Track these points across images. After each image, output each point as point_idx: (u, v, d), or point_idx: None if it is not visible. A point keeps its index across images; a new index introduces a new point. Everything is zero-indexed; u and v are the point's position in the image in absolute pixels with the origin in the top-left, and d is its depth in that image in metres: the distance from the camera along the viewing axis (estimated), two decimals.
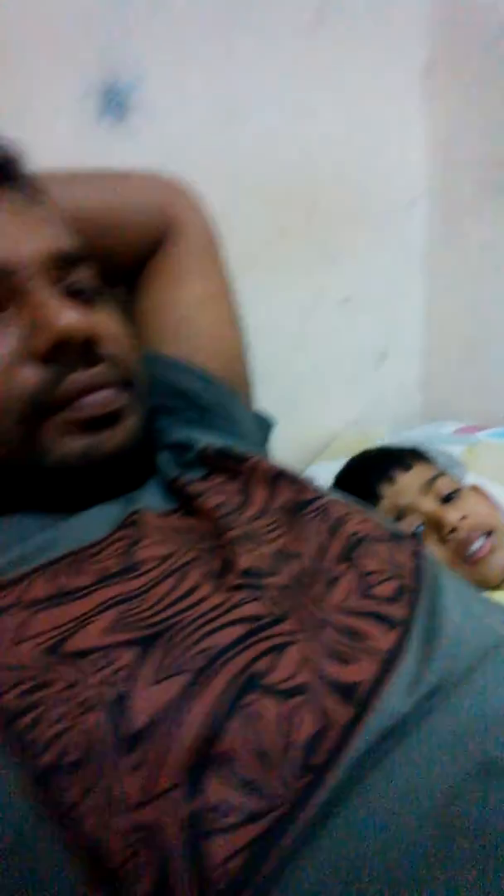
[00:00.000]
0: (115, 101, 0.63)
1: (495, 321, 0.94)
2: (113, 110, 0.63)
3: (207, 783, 0.25)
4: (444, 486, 0.62)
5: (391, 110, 0.88)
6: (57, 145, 0.61)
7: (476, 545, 0.58)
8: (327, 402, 0.94)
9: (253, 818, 0.24)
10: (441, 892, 0.22)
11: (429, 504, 0.61)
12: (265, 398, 0.70)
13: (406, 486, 0.62)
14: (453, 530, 0.59)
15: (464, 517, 0.59)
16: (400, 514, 0.61)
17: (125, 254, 0.57)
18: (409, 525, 0.61)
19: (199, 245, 0.59)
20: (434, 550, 0.59)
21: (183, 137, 0.68)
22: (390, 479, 0.63)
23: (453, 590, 0.38)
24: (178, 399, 0.54)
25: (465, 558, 0.58)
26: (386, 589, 0.34)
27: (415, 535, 0.59)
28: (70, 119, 0.62)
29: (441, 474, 0.63)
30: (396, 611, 0.33)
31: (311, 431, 0.92)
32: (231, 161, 0.73)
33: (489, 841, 0.23)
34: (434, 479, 0.62)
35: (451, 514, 0.59)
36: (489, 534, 0.59)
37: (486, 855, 0.23)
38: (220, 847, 0.23)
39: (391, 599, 0.34)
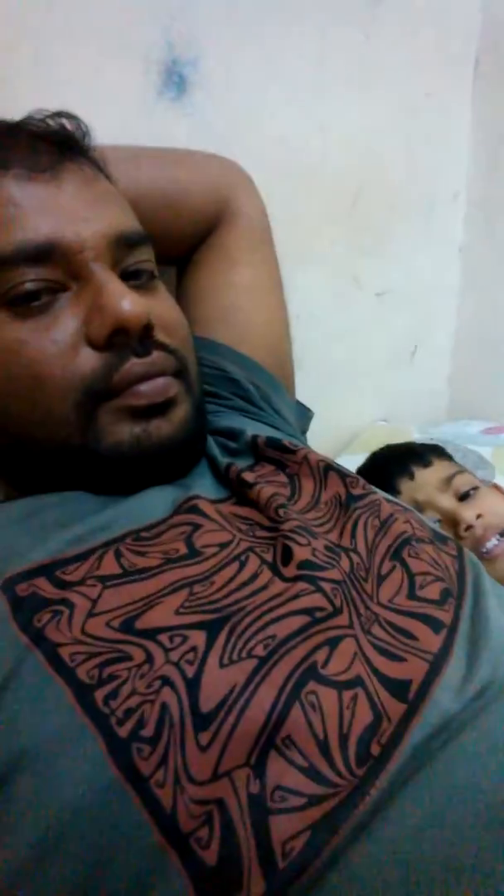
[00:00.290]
0: (175, 77, 0.62)
1: None
2: (173, 86, 0.62)
3: (270, 765, 0.26)
4: (462, 483, 0.63)
5: (438, 105, 0.87)
6: (117, 121, 0.60)
7: (490, 544, 0.59)
8: (357, 395, 0.94)
9: (313, 802, 0.25)
10: (495, 885, 0.23)
11: (446, 501, 0.62)
12: (299, 387, 0.70)
13: (424, 482, 0.63)
14: (469, 528, 0.59)
15: (479, 515, 0.60)
16: (417, 510, 0.61)
17: (180, 234, 0.57)
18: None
19: (253, 231, 0.59)
20: None
21: (238, 119, 0.68)
22: (409, 475, 0.64)
23: (495, 594, 0.38)
24: (225, 384, 0.54)
25: (479, 556, 0.59)
26: (433, 591, 0.35)
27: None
28: (133, 94, 0.61)
29: (460, 472, 0.64)
30: (443, 614, 0.33)
31: (339, 424, 0.93)
32: (280, 146, 0.73)
33: None
34: (452, 476, 0.63)
35: (468, 512, 0.60)
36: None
37: None
38: (283, 827, 0.24)
39: (438, 602, 0.34)
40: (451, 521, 0.61)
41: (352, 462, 0.85)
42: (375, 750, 0.26)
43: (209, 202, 0.57)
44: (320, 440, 0.90)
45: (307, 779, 0.25)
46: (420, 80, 0.84)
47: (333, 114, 0.76)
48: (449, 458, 0.68)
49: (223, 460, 0.44)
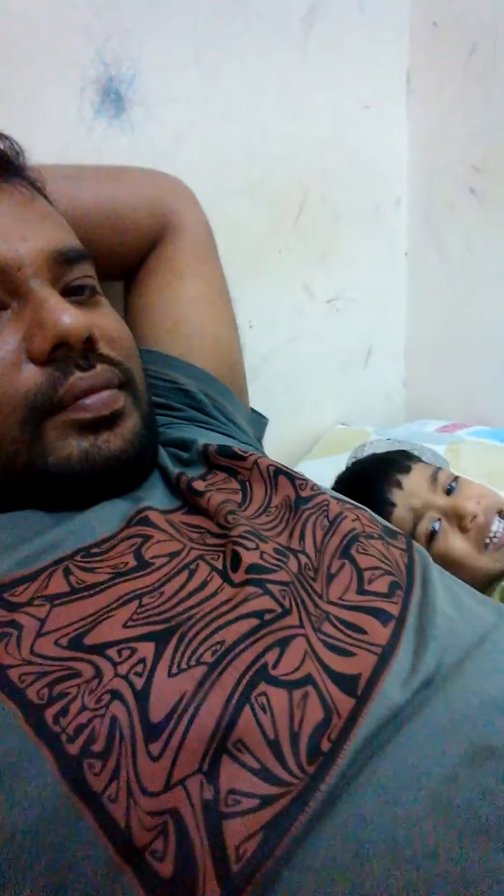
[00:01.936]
0: (112, 95, 0.63)
1: (475, 321, 0.96)
2: (110, 104, 0.63)
3: (223, 770, 0.26)
4: (444, 478, 0.63)
5: (376, 114, 0.90)
6: (56, 140, 0.61)
7: (495, 527, 0.59)
8: (314, 401, 0.95)
9: (266, 802, 0.25)
10: (443, 868, 0.24)
11: (441, 499, 0.61)
12: (256, 395, 0.71)
13: (414, 486, 0.63)
14: (474, 517, 0.59)
15: (478, 502, 0.60)
16: (416, 515, 0.61)
17: (123, 250, 0.58)
18: (427, 523, 0.61)
19: (197, 244, 0.60)
20: (454, 543, 0.60)
21: (179, 135, 0.69)
22: (398, 484, 0.63)
23: (443, 584, 0.40)
24: (177, 396, 0.55)
25: (486, 544, 0.59)
26: (381, 584, 0.36)
27: (431, 533, 0.60)
28: (69, 114, 0.62)
29: (438, 468, 0.65)
30: (391, 606, 0.34)
31: (300, 429, 0.94)
32: (222, 160, 0.74)
33: (482, 820, 0.25)
34: (435, 474, 0.63)
35: (468, 503, 0.60)
36: (501, 512, 0.61)
37: (480, 833, 0.25)
38: (237, 830, 0.24)
39: (386, 595, 0.35)
40: (455, 516, 0.60)
41: (314, 467, 0.86)
42: (326, 746, 0.27)
43: (151, 217, 0.58)
44: (282, 446, 0.92)
45: (259, 780, 0.26)
46: (357, 93, 0.87)
47: (274, 128, 0.78)
48: (417, 458, 0.69)
49: (174, 470, 0.44)
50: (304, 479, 0.44)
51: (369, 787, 0.26)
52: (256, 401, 0.69)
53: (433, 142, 0.93)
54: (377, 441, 0.84)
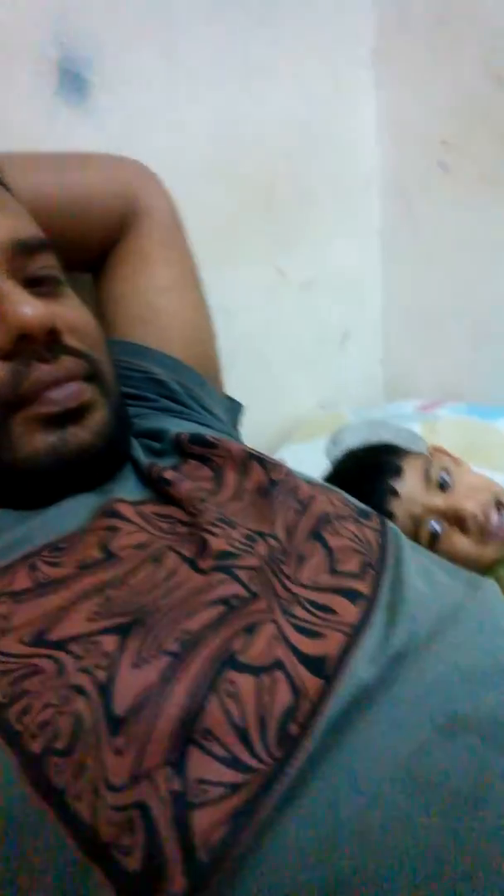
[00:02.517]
0: (71, 78, 0.61)
1: (450, 299, 0.96)
2: (69, 86, 0.61)
3: (191, 760, 0.26)
4: (436, 473, 0.60)
5: (343, 92, 0.89)
6: (19, 127, 0.59)
7: (495, 520, 0.57)
8: (292, 385, 0.95)
9: (234, 790, 0.25)
10: (414, 843, 0.24)
11: (439, 500, 0.59)
12: (230, 383, 0.70)
13: (410, 492, 0.59)
14: (475, 517, 0.57)
15: (476, 499, 0.58)
16: (416, 522, 0.59)
17: (88, 240, 0.57)
18: (427, 527, 0.58)
19: (165, 230, 0.59)
20: (459, 544, 0.58)
21: (140, 117, 0.67)
22: (394, 493, 0.60)
23: (417, 560, 0.40)
24: (150, 386, 0.54)
25: (491, 537, 0.57)
26: (352, 564, 0.36)
27: (433, 535, 0.57)
28: (29, 99, 0.60)
29: (424, 460, 0.62)
30: (361, 585, 0.34)
31: (276, 415, 0.94)
32: (187, 143, 0.73)
33: (453, 791, 0.25)
34: (427, 471, 0.60)
35: (467, 503, 0.57)
36: (498, 504, 0.59)
37: (451, 804, 0.25)
38: (204, 820, 0.24)
39: (357, 574, 0.35)
40: (455, 519, 0.58)
41: (293, 452, 0.86)
42: (294, 730, 0.27)
43: (115, 204, 0.57)
44: (261, 432, 0.92)
45: (227, 768, 0.26)
46: (323, 68, 0.85)
47: (240, 108, 0.77)
48: (405, 451, 0.66)
49: (145, 461, 0.44)
50: (276, 463, 0.44)
51: (338, 768, 0.26)
52: (232, 387, 0.69)
53: (401, 116, 0.92)
54: (355, 425, 0.84)
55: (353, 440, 0.76)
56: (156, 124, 0.68)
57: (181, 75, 0.71)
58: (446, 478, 0.60)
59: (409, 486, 0.60)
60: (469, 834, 0.24)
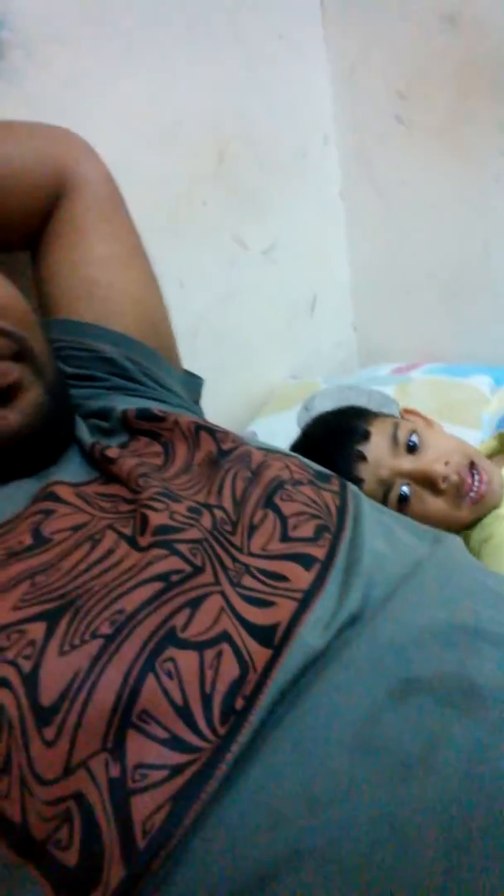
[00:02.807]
0: None
1: (418, 258, 0.94)
2: None
3: (130, 745, 0.25)
4: (403, 435, 0.59)
5: (292, 50, 0.85)
6: None
7: (474, 484, 0.56)
8: (262, 356, 0.93)
9: (176, 772, 0.24)
10: (362, 810, 0.23)
11: (406, 462, 0.58)
12: (197, 357, 0.68)
13: (377, 456, 0.58)
14: (445, 479, 0.56)
15: (447, 462, 0.57)
16: (387, 485, 0.58)
17: (20, 215, 0.54)
18: (397, 490, 0.57)
19: (100, 200, 0.56)
20: (431, 506, 0.57)
21: (68, 82, 0.64)
22: (361, 457, 0.58)
23: (378, 520, 0.38)
24: (99, 365, 0.52)
25: (466, 499, 0.57)
26: (306, 529, 0.34)
27: (403, 498, 0.56)
28: None
29: (393, 422, 0.60)
30: (316, 549, 0.33)
31: (248, 388, 0.91)
32: (125, 108, 0.69)
33: (404, 755, 0.24)
34: (394, 433, 0.59)
35: (436, 465, 0.56)
36: (472, 465, 0.58)
37: (402, 768, 0.24)
38: (144, 805, 0.23)
39: (311, 539, 0.34)
40: (425, 481, 0.57)
41: (266, 424, 0.85)
42: (239, 704, 0.26)
43: (44, 175, 0.54)
44: (233, 406, 0.89)
45: (169, 749, 0.25)
46: (268, 23, 0.82)
47: (180, 68, 0.73)
48: (374, 413, 0.64)
49: (89, 440, 0.42)
50: (226, 432, 0.42)
51: (285, 740, 0.25)
52: (199, 362, 0.66)
53: (354, 70, 0.88)
54: (327, 390, 0.82)
55: (325, 406, 0.74)
56: (87, 89, 0.65)
57: (112, 36, 0.67)
58: (415, 440, 0.59)
59: (377, 450, 0.59)
60: (419, 798, 0.23)
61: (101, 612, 0.28)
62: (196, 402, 0.62)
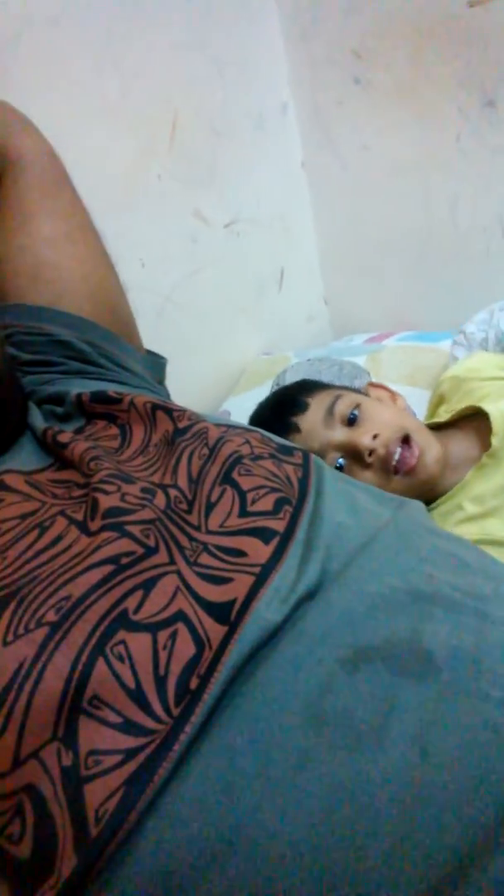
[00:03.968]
0: None
1: (384, 224, 0.92)
2: None
3: (82, 731, 0.24)
4: (342, 408, 0.59)
5: (243, 12, 0.82)
6: None
7: (397, 456, 0.56)
8: (232, 333, 0.91)
9: (129, 756, 0.23)
10: (316, 783, 0.22)
11: (338, 434, 0.58)
12: (165, 337, 0.66)
13: (310, 427, 0.59)
14: (371, 452, 0.56)
15: (375, 435, 0.57)
16: (320, 456, 0.56)
17: None
18: (331, 462, 0.58)
19: (44, 176, 0.53)
20: (361, 477, 0.57)
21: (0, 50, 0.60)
22: (296, 428, 0.59)
23: (341, 490, 0.37)
24: (54, 349, 0.50)
25: (395, 472, 0.57)
26: (265, 503, 0.33)
27: (338, 469, 0.56)
28: None
29: (337, 396, 0.60)
30: (275, 523, 0.32)
31: (220, 366, 0.90)
32: (65, 76, 0.66)
33: (357, 725, 0.23)
34: (332, 405, 0.59)
35: (363, 438, 0.56)
36: (407, 439, 0.57)
37: (354, 739, 0.23)
38: (97, 792, 0.23)
39: (271, 513, 0.33)
40: (353, 453, 0.57)
41: (239, 402, 0.83)
42: (194, 683, 0.25)
43: None
44: (205, 385, 0.88)
45: (122, 734, 0.24)
46: None
47: (122, 33, 0.70)
48: (323, 386, 0.64)
49: (41, 427, 0.40)
50: (182, 410, 0.41)
51: (239, 716, 0.24)
52: (166, 343, 0.64)
53: (308, 30, 0.85)
54: (297, 364, 0.81)
55: (294, 380, 0.73)
56: (20, 55, 0.61)
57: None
58: (356, 412, 0.59)
59: (310, 422, 0.59)
60: (372, 768, 0.22)
61: (46, 599, 0.27)
62: (160, 382, 0.60)
